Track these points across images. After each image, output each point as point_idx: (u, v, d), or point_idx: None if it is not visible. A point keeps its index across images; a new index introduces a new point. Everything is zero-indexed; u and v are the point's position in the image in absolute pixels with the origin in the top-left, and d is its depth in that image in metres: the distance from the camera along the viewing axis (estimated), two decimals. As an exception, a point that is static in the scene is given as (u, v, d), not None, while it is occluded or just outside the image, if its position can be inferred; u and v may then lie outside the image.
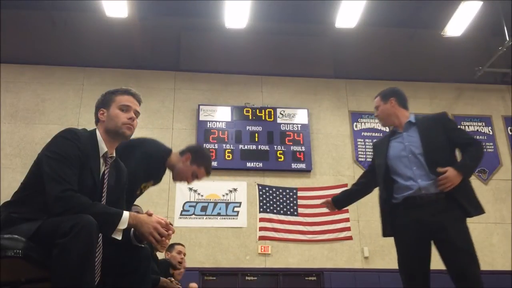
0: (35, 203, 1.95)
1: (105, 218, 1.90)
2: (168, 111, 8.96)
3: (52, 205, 1.88)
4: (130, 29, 8.53)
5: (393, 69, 9.49)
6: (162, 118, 8.87)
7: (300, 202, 8.42)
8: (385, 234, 3.03)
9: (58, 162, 1.94)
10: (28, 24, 9.20)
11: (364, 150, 9.02)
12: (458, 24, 8.38)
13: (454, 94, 9.55)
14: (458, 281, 2.63)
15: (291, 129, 8.87)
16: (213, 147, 8.52)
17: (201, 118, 8.77)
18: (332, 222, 8.32)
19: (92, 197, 1.98)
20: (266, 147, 8.65)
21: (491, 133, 9.24)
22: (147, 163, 2.70)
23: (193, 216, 8.14)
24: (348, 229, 8.32)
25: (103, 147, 2.15)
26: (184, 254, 4.83)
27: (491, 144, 9.12)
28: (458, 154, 2.98)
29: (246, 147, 8.62)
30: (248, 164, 8.51)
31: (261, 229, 8.20)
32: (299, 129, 8.89)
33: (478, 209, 2.78)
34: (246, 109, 8.93)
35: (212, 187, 8.19)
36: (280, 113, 9.00)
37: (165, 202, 7.94)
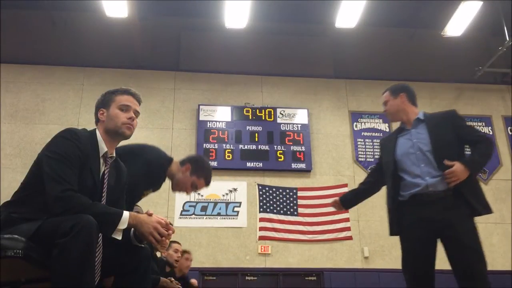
0: (35, 203, 1.95)
1: (105, 218, 1.90)
2: (168, 111, 8.96)
3: (52, 205, 1.88)
4: (130, 29, 8.54)
5: (393, 69, 9.49)
6: (162, 118, 8.87)
7: (300, 202, 8.42)
8: (392, 232, 2.96)
9: (58, 162, 1.94)
10: (28, 24, 9.21)
11: (364, 150, 9.02)
12: (458, 24, 8.39)
13: (454, 94, 9.55)
14: (464, 280, 2.58)
15: (291, 129, 8.87)
16: (213, 147, 8.52)
17: (201, 118, 8.77)
18: (332, 222, 8.32)
19: (92, 197, 1.98)
20: (266, 147, 8.65)
21: (491, 133, 9.24)
22: (147, 171, 2.68)
23: (193, 216, 8.15)
24: (348, 229, 8.32)
25: (103, 147, 2.15)
26: (181, 253, 4.84)
27: (491, 144, 9.12)
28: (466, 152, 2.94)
29: (246, 147, 8.62)
30: (248, 164, 8.51)
31: (261, 229, 8.20)
32: (299, 129, 8.89)
33: (487, 208, 2.73)
34: (246, 109, 8.94)
35: (212, 187, 8.10)
36: (280, 113, 9.00)
37: (165, 202, 7.94)
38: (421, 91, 9.33)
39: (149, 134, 8.59)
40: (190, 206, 8.16)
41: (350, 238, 8.29)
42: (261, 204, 8.37)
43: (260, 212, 8.32)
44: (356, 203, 3.34)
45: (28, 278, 1.93)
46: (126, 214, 1.95)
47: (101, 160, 2.14)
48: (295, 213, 8.36)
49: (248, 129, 8.77)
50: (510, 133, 9.32)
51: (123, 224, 1.93)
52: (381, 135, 9.16)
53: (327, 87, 9.50)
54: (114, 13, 7.94)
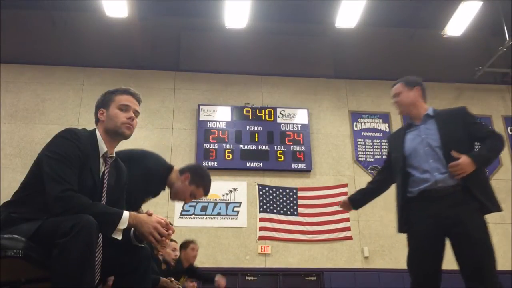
0: (35, 203, 1.95)
1: (105, 218, 1.90)
2: (168, 111, 8.96)
3: (52, 205, 1.88)
4: (130, 29, 8.54)
5: (393, 69, 9.47)
6: (162, 118, 8.87)
7: (300, 202, 8.42)
8: (401, 230, 2.90)
9: (58, 162, 1.94)
10: (28, 24, 9.21)
11: (364, 150, 9.02)
12: (458, 24, 8.39)
13: (454, 94, 9.55)
14: (471, 280, 2.52)
15: (291, 129, 8.87)
16: (213, 147, 8.52)
17: (201, 118, 8.77)
18: (332, 222, 8.32)
19: (92, 197, 1.97)
20: (266, 147, 8.66)
21: (491, 133, 9.23)
22: (148, 180, 2.67)
23: (193, 216, 8.15)
24: (348, 229, 8.32)
25: (103, 147, 2.15)
26: (179, 250, 4.84)
27: (491, 144, 9.12)
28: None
29: (246, 147, 8.62)
30: (248, 164, 8.51)
31: (261, 229, 8.21)
32: (299, 129, 8.89)
33: (496, 205, 2.69)
34: (246, 109, 8.94)
35: (212, 187, 8.16)
36: (280, 113, 9.00)
37: (165, 202, 7.93)
38: (421, 91, 9.38)
39: (149, 134, 8.59)
40: (190, 206, 8.17)
41: (350, 238, 8.29)
42: (261, 204, 8.37)
43: (260, 212, 8.32)
44: (365, 203, 3.24)
45: (28, 278, 1.93)
46: (126, 214, 1.95)
47: (101, 160, 2.14)
48: (295, 213, 8.36)
49: (248, 129, 8.77)
50: (510, 133, 9.32)
51: (123, 224, 1.93)
52: (381, 135, 9.16)
53: (327, 87, 9.50)
54: (114, 13, 7.94)
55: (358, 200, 3.22)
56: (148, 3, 8.89)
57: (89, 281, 1.78)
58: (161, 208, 7.73)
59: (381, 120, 9.28)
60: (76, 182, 1.94)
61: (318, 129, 9.10)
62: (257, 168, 8.54)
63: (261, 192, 8.45)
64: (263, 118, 8.90)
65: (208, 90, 9.22)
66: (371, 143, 9.08)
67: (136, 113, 2.26)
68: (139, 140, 8.27)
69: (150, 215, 2.05)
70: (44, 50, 9.12)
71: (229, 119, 8.84)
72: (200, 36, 9.50)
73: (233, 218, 8.27)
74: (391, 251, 8.25)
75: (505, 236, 8.32)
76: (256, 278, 8.01)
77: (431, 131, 2.84)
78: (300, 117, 9.01)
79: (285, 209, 8.37)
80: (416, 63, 9.43)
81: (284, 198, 8.45)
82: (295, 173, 8.63)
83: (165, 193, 2.97)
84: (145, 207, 3.20)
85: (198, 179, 2.84)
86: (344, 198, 3.29)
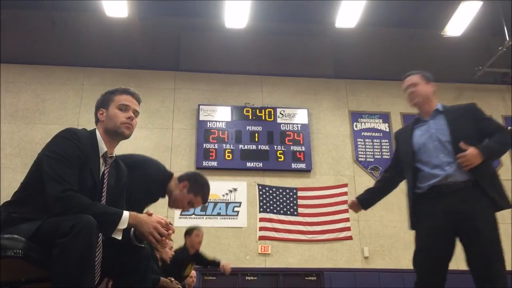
0: (35, 203, 1.95)
1: (105, 218, 1.90)
2: (168, 111, 8.96)
3: (52, 205, 1.87)
4: (130, 29, 8.54)
5: (393, 69, 9.44)
6: (162, 118, 8.87)
7: (300, 202, 8.42)
8: (412, 226, 2.83)
9: (58, 162, 1.94)
10: (28, 24, 9.21)
11: (364, 150, 9.02)
12: (458, 24, 8.39)
13: (454, 94, 9.54)
14: (480, 280, 2.48)
15: (291, 129, 8.87)
16: (213, 147, 8.52)
17: (201, 118, 8.77)
18: (332, 222, 8.32)
19: (92, 197, 1.97)
20: (266, 147, 8.66)
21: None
22: (147, 187, 2.66)
23: (193, 216, 8.15)
24: (348, 229, 8.32)
25: (103, 147, 2.14)
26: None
27: (491, 144, 9.12)
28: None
29: (246, 147, 8.62)
30: (248, 164, 8.51)
31: (261, 229, 8.21)
32: (299, 129, 8.89)
33: (507, 202, 2.64)
34: (246, 109, 8.94)
35: (212, 187, 8.14)
36: (280, 113, 9.00)
37: (165, 202, 7.93)
38: (421, 91, 9.38)
39: (149, 134, 8.59)
40: (190, 206, 8.16)
41: (350, 238, 8.29)
42: (261, 204, 8.37)
43: (260, 212, 8.32)
44: (374, 202, 3.17)
45: (28, 278, 1.93)
46: (126, 214, 1.95)
47: (101, 160, 2.14)
48: (295, 213, 8.36)
49: (248, 129, 8.77)
50: (510, 133, 9.31)
51: (123, 224, 1.92)
52: (381, 135, 9.16)
53: (327, 87, 9.50)
54: (114, 13, 7.94)
55: (366, 199, 3.16)
56: (148, 3, 8.89)
57: (89, 281, 1.78)
58: (161, 208, 7.70)
59: (381, 120, 9.28)
60: (76, 182, 1.94)
61: (318, 129, 9.10)
62: (257, 168, 8.53)
63: (261, 192, 8.45)
64: (263, 118, 8.90)
65: (208, 90, 9.22)
66: (371, 143, 9.08)
67: (136, 112, 2.25)
68: (139, 140, 8.27)
69: (150, 215, 2.05)
70: (44, 50, 9.12)
71: (229, 119, 8.84)
72: (200, 36, 9.50)
73: (233, 218, 8.27)
74: (391, 251, 8.25)
75: (505, 236, 8.21)
76: (256, 278, 8.01)
77: (440, 126, 2.81)
78: (300, 117, 9.01)
79: (285, 209, 8.37)
80: (416, 63, 9.34)
81: (284, 198, 8.45)
82: (295, 173, 8.63)
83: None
84: (145, 207, 3.20)
85: (196, 188, 2.83)
86: (352, 199, 3.22)
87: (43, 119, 8.61)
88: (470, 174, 2.63)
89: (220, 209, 8.28)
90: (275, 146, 8.68)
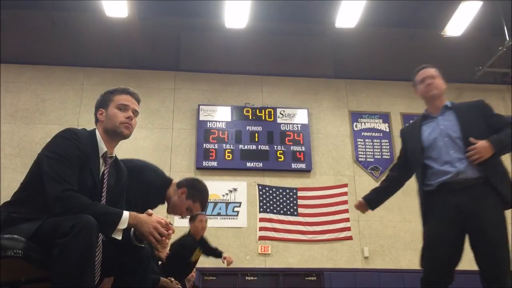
0: (35, 203, 1.95)
1: (105, 218, 1.90)
2: (168, 111, 8.96)
3: (52, 205, 1.88)
4: (130, 29, 8.54)
5: (393, 69, 9.49)
6: (162, 118, 8.87)
7: (300, 202, 8.42)
8: (424, 224, 2.78)
9: (58, 162, 1.94)
10: (28, 24, 9.21)
11: (364, 150, 9.01)
12: (458, 24, 8.39)
13: (454, 94, 9.52)
14: (487, 280, 2.45)
15: (291, 129, 8.87)
16: (213, 147, 8.52)
17: (201, 118, 8.77)
18: (332, 222, 8.32)
19: (92, 197, 1.97)
20: (266, 147, 8.65)
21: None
22: (147, 194, 2.66)
23: (193, 216, 8.14)
24: (348, 229, 8.32)
25: (102, 147, 2.15)
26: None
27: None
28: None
29: (246, 147, 8.62)
30: (248, 164, 8.51)
31: (261, 229, 8.20)
32: (299, 129, 8.89)
33: None
34: (246, 109, 8.94)
35: (212, 187, 8.11)
36: (280, 113, 9.00)
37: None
38: (421, 91, 9.39)
39: (149, 134, 8.59)
40: (190, 206, 8.16)
41: (350, 238, 8.28)
42: (261, 204, 8.37)
43: (260, 212, 8.32)
44: (381, 202, 3.12)
45: (28, 278, 1.93)
46: (126, 214, 1.95)
47: (101, 160, 2.14)
48: (295, 213, 8.36)
49: (248, 129, 8.77)
50: (510, 133, 9.31)
51: (123, 224, 1.93)
52: (381, 135, 9.16)
53: (327, 87, 9.50)
54: (114, 13, 7.94)
55: (373, 199, 3.12)
56: (148, 3, 8.89)
57: (89, 281, 1.78)
58: (161, 208, 7.73)
59: (381, 120, 9.28)
60: (76, 182, 1.94)
61: (318, 129, 9.10)
62: (257, 168, 8.53)
63: (261, 192, 8.45)
64: (263, 118, 8.90)
65: (208, 90, 9.22)
66: (371, 143, 9.08)
67: (135, 112, 2.25)
68: (139, 140, 8.28)
69: (150, 215, 2.05)
70: (44, 50, 9.12)
71: (229, 119, 8.84)
72: (200, 36, 9.50)
73: (233, 218, 8.27)
74: (391, 251, 8.25)
75: None
76: (256, 278, 8.01)
77: (450, 122, 2.77)
78: (300, 117, 9.01)
79: (285, 209, 8.37)
80: (416, 63, 9.34)
81: (284, 198, 8.45)
82: (295, 173, 8.63)
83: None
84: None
85: (195, 194, 2.83)
86: (359, 200, 3.17)
87: (43, 119, 8.61)
88: (481, 171, 2.60)
89: (220, 209, 8.28)
90: (275, 146, 8.68)
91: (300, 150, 8.70)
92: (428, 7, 9.18)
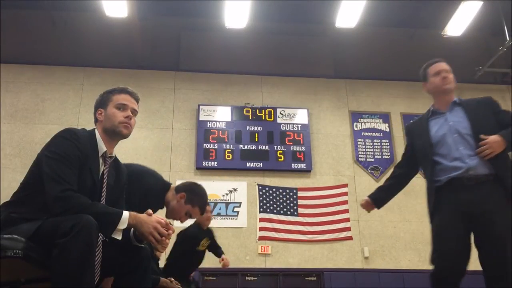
0: (35, 203, 1.95)
1: (105, 218, 1.90)
2: (168, 111, 8.96)
3: (51, 205, 1.88)
4: (130, 29, 8.54)
5: (393, 69, 9.49)
6: (162, 118, 8.86)
7: (300, 202, 8.42)
8: (431, 220, 2.75)
9: (58, 162, 1.94)
10: (28, 24, 9.21)
11: (364, 150, 9.01)
12: (458, 24, 8.39)
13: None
14: (491, 279, 2.43)
15: (291, 129, 8.87)
16: (213, 147, 8.52)
17: (201, 118, 8.77)
18: (332, 222, 8.32)
19: (92, 197, 1.97)
20: (266, 147, 8.65)
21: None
22: (145, 200, 2.64)
23: (193, 216, 8.14)
24: (348, 229, 8.32)
25: (102, 147, 2.15)
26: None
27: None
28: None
29: (246, 147, 8.62)
30: (248, 164, 8.51)
31: (261, 229, 8.20)
32: (299, 129, 8.89)
33: None
34: (246, 109, 8.94)
35: (212, 187, 8.18)
36: (280, 113, 9.00)
37: (165, 202, 7.93)
38: (421, 91, 9.26)
39: (149, 134, 8.59)
40: (190, 206, 8.16)
41: (350, 238, 8.28)
42: (261, 204, 8.37)
43: (260, 212, 8.32)
44: (387, 200, 3.07)
45: (28, 278, 1.93)
46: (125, 214, 1.95)
47: (101, 160, 2.14)
48: (295, 213, 8.36)
49: (248, 129, 8.77)
50: (510, 133, 9.30)
51: (123, 224, 1.93)
52: (381, 135, 9.16)
53: (327, 87, 9.50)
54: (114, 13, 7.94)
55: (380, 198, 3.07)
56: (148, 3, 8.89)
57: (89, 281, 1.78)
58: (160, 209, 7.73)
59: (381, 120, 9.28)
60: (75, 182, 1.94)
61: (318, 129, 9.10)
62: (257, 168, 8.53)
63: (261, 192, 8.44)
64: (263, 118, 8.90)
65: (208, 90, 9.22)
66: (371, 143, 9.08)
67: (134, 111, 2.25)
68: (139, 140, 8.27)
69: (150, 215, 2.05)
70: (44, 50, 9.12)
71: (229, 119, 8.84)
72: (200, 36, 9.49)
73: (233, 218, 8.27)
74: (391, 251, 8.25)
75: None
76: (256, 278, 8.01)
77: (459, 118, 2.75)
78: (300, 117, 9.01)
79: (285, 209, 8.37)
80: (416, 63, 9.33)
81: (284, 198, 8.45)
82: (295, 173, 8.62)
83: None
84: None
85: (194, 198, 2.82)
86: (365, 198, 3.11)
87: (43, 119, 8.61)
88: (492, 168, 2.57)
89: (220, 209, 8.28)
90: (275, 146, 8.68)
91: (300, 150, 8.70)
92: (428, 7, 9.18)
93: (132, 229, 2.05)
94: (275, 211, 8.34)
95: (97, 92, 2.36)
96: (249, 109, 8.94)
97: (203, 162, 8.41)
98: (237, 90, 9.26)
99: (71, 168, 1.95)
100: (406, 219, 8.40)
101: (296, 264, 8.06)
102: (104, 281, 2.32)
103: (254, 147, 8.64)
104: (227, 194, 8.39)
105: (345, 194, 8.54)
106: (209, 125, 8.72)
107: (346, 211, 8.36)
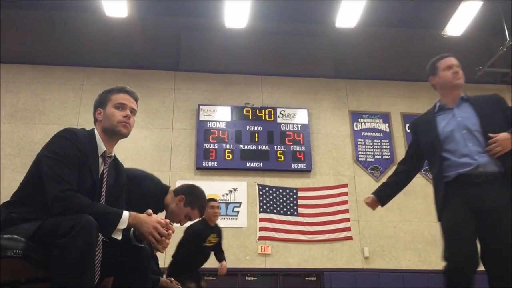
0: (35, 203, 1.95)
1: (105, 218, 1.90)
2: (168, 111, 8.96)
3: (51, 205, 1.87)
4: (130, 29, 8.54)
5: (393, 69, 9.50)
6: (162, 118, 8.86)
7: (300, 202, 8.42)
8: (439, 218, 2.72)
9: (57, 162, 1.94)
10: (28, 24, 9.21)
11: (364, 150, 9.01)
12: (458, 24, 8.39)
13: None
14: (494, 279, 2.42)
15: (291, 129, 8.87)
16: (213, 147, 8.52)
17: (201, 118, 8.77)
18: (332, 222, 8.32)
19: (92, 197, 1.97)
20: (266, 147, 8.65)
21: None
22: (145, 204, 2.66)
23: (193, 216, 8.14)
24: (348, 229, 8.32)
25: (101, 147, 2.15)
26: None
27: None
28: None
29: (246, 147, 8.62)
30: (248, 164, 8.51)
31: (261, 229, 8.20)
32: (299, 129, 8.89)
33: None
34: (246, 109, 8.94)
35: (212, 187, 8.18)
36: (280, 113, 9.00)
37: (165, 202, 7.93)
38: (421, 91, 9.37)
39: (149, 134, 8.59)
40: (190, 206, 8.16)
41: (350, 238, 8.28)
42: (261, 204, 8.37)
43: (260, 212, 8.32)
44: (392, 197, 3.05)
45: (28, 278, 1.93)
46: (125, 214, 1.95)
47: (100, 160, 2.14)
48: (295, 213, 8.36)
49: (248, 129, 8.77)
50: (510, 133, 9.30)
51: (122, 224, 1.92)
52: (381, 135, 9.16)
53: (327, 87, 9.50)
54: (114, 13, 7.94)
55: (384, 195, 3.05)
56: (148, 3, 8.89)
57: (89, 281, 1.78)
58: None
59: (381, 120, 9.28)
60: (75, 182, 1.94)
61: (318, 129, 9.10)
62: (257, 168, 8.53)
63: (261, 192, 8.44)
64: (263, 118, 8.90)
65: (208, 90, 9.22)
66: (371, 143, 9.08)
67: (133, 111, 2.25)
68: (139, 140, 8.27)
69: (150, 215, 2.05)
70: (44, 50, 9.12)
71: (229, 119, 8.84)
72: (200, 36, 9.49)
73: (233, 218, 8.26)
74: (391, 251, 8.25)
75: None
76: (256, 278, 8.01)
77: (467, 114, 2.73)
78: (300, 117, 9.01)
79: (285, 209, 8.37)
80: (416, 63, 9.37)
81: (284, 198, 8.45)
82: (295, 173, 8.62)
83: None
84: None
85: (193, 201, 2.83)
86: (369, 195, 3.09)
87: (43, 119, 8.61)
88: (501, 166, 2.56)
89: (220, 209, 8.26)
90: (275, 146, 8.68)
91: (300, 150, 8.70)
92: (428, 7, 9.18)
93: (132, 229, 2.05)
94: (275, 211, 8.34)
95: (97, 92, 2.36)
96: (249, 109, 8.94)
97: (203, 162, 8.41)
98: (237, 90, 9.27)
99: (70, 168, 1.95)
100: (406, 219, 8.40)
101: (296, 264, 8.06)
102: (104, 281, 2.32)
103: (254, 147, 8.64)
104: (227, 194, 8.39)
105: (345, 194, 8.55)
106: (209, 125, 8.72)
107: (346, 211, 8.36)
